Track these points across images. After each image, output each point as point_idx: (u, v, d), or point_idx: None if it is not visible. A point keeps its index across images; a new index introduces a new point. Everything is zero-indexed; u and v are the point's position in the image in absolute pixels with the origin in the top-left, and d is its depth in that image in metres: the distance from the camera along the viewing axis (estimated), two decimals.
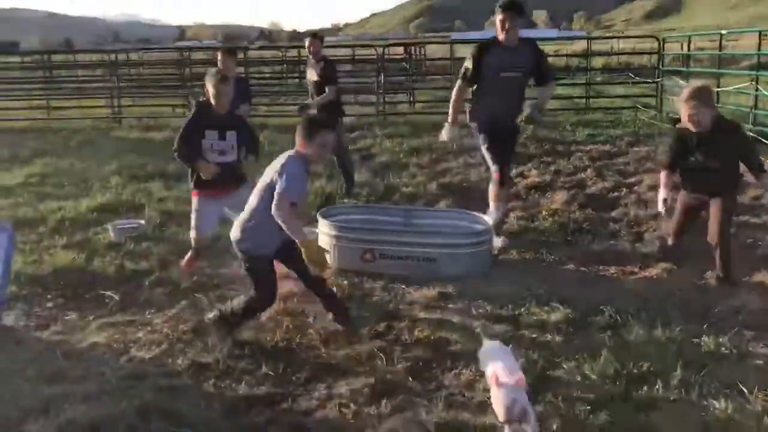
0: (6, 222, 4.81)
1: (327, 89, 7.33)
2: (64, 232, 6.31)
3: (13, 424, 3.10)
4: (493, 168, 5.57)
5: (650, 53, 15.64)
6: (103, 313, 4.55)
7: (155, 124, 13.47)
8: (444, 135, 5.68)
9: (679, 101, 4.59)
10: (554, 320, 4.15)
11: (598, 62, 20.71)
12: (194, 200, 5.05)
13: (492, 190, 5.65)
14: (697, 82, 4.70)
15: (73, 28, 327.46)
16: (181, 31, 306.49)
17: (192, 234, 5.14)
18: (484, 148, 5.62)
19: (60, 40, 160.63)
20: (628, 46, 23.81)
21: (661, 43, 13.94)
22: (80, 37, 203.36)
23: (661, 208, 4.95)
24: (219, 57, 7.08)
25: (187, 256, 5.22)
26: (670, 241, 5.16)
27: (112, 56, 16.89)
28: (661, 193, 4.94)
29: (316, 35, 7.69)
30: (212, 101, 4.85)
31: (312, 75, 7.56)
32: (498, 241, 5.54)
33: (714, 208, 4.72)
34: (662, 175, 5.02)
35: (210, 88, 4.81)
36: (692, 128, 4.61)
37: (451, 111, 5.65)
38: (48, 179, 8.84)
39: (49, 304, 4.75)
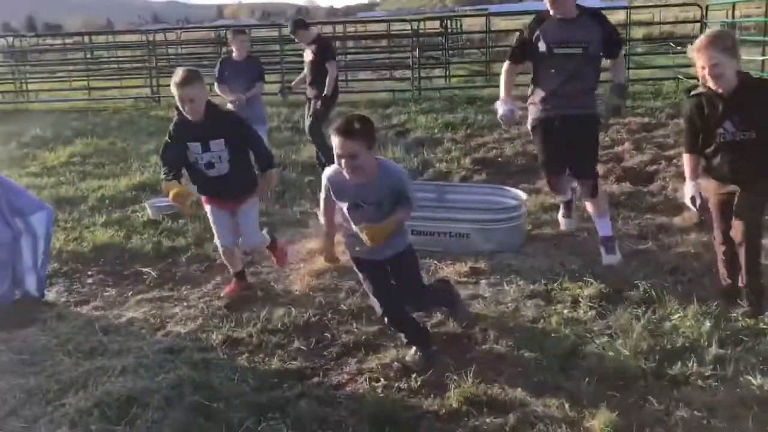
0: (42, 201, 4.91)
1: (327, 66, 7.32)
2: (104, 210, 6.45)
3: (54, 397, 3.21)
4: (542, 172, 4.94)
5: (693, 22, 15.20)
6: (140, 288, 4.66)
7: None
8: (498, 109, 4.73)
9: (692, 51, 3.54)
10: (587, 295, 4.11)
11: (638, 33, 20.21)
12: (206, 207, 4.44)
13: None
14: (715, 28, 3.63)
15: (114, 10, 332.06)
16: (219, 10, 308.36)
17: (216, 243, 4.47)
18: (536, 146, 4.90)
19: (102, 22, 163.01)
20: (670, 15, 23.15)
21: (704, 10, 13.53)
22: (121, 19, 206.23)
23: (690, 205, 3.82)
24: (229, 38, 7.19)
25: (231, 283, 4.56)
26: (723, 277, 3.98)
27: (151, 36, 17.06)
28: (688, 189, 3.78)
29: (297, 23, 7.69)
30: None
31: (308, 55, 7.57)
32: (564, 222, 5.28)
33: (742, 196, 3.70)
34: (686, 162, 3.83)
35: (174, 94, 4.00)
36: (712, 86, 3.54)
37: (503, 88, 4.72)
38: (89, 159, 9.04)
39: (89, 280, 4.88)
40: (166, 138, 4.18)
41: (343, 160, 3.17)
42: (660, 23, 22.22)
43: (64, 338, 3.85)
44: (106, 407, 3.04)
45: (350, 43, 21.55)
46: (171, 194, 3.95)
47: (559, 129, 4.57)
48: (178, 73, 3.97)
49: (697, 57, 3.53)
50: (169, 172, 4.06)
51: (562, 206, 5.37)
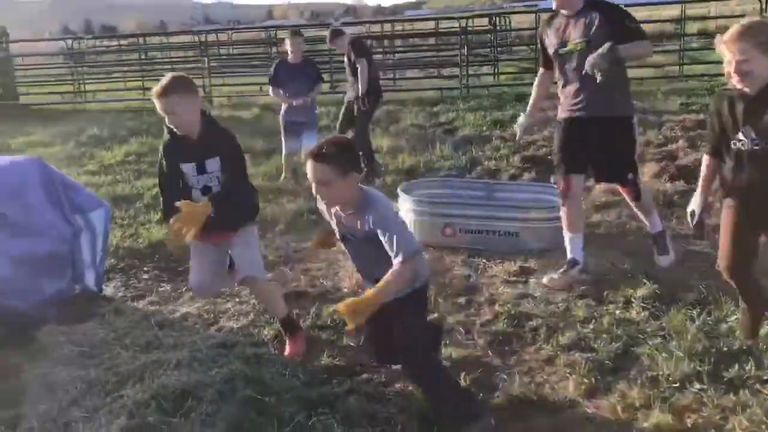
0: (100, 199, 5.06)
1: (357, 64, 7.33)
2: (159, 207, 6.57)
3: (113, 388, 3.29)
4: (557, 176, 4.48)
5: (752, 16, 14.73)
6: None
7: (244, 103, 13.82)
8: (516, 125, 4.75)
9: (720, 43, 3.00)
10: (640, 296, 4.04)
11: (693, 27, 19.68)
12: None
13: (561, 211, 4.50)
14: (753, 18, 3.08)
15: (166, 12, 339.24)
16: (269, 11, 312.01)
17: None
18: (555, 145, 4.54)
19: (155, 23, 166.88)
20: (727, 10, 22.46)
21: (764, 3, 13.11)
22: (174, 20, 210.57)
23: (688, 218, 3.36)
24: (286, 40, 7.23)
25: None
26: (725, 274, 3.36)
27: (203, 37, 17.37)
28: (694, 199, 3.31)
29: (331, 34, 7.74)
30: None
31: (346, 58, 7.61)
32: (558, 279, 4.35)
33: None
34: (702, 167, 3.34)
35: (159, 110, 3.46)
36: (737, 84, 2.99)
37: (531, 98, 4.72)
38: (144, 157, 9.26)
39: (145, 276, 5.02)
40: (159, 161, 3.64)
41: (314, 187, 2.85)
42: (716, 17, 21.59)
43: (122, 332, 3.95)
44: (162, 399, 3.11)
45: (398, 42, 21.57)
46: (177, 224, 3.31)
47: (580, 130, 4.27)
48: (160, 82, 3.46)
49: (725, 50, 2.99)
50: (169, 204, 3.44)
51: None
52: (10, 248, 4.02)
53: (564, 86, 4.34)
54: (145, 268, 5.16)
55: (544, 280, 4.37)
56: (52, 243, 4.26)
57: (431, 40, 20.44)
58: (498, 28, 18.75)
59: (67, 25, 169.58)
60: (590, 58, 3.88)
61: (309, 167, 2.81)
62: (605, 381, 3.22)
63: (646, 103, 10.33)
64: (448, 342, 3.66)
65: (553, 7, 4.27)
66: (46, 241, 4.24)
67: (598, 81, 3.89)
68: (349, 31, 8.34)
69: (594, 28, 4.08)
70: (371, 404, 3.11)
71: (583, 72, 4.00)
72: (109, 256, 5.09)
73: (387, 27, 20.91)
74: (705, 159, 3.32)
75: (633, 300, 4.02)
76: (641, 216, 4.63)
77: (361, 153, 7.57)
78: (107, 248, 4.81)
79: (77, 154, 9.72)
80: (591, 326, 3.74)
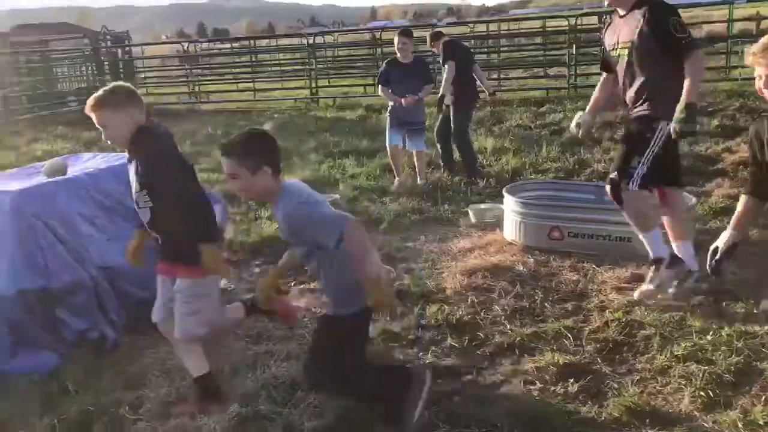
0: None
1: (446, 65, 7.29)
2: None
3: (226, 377, 3.45)
4: None
5: None
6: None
7: (348, 104, 14.05)
8: (573, 123, 4.46)
9: (748, 56, 2.71)
10: (764, 309, 3.81)
11: None
12: None
13: (663, 220, 4.29)
14: None
15: (275, 14, 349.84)
16: (373, 12, 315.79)
17: None
18: None
19: (264, 26, 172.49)
20: None
21: None
22: (282, 22, 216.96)
23: (709, 256, 3.15)
24: (396, 39, 7.28)
25: None
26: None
27: (310, 39, 17.80)
28: (722, 236, 3.12)
29: (430, 37, 7.79)
30: None
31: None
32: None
33: None
34: (739, 205, 3.07)
35: None
36: None
37: (591, 99, 4.50)
38: None
39: (256, 270, 5.20)
40: None
41: (228, 180, 2.84)
42: None
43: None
44: (273, 389, 3.23)
45: (503, 41, 21.31)
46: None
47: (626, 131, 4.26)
48: (95, 93, 3.08)
49: (754, 63, 2.66)
50: None
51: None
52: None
53: (619, 86, 4.19)
54: (256, 262, 5.34)
55: (659, 294, 4.16)
56: None
57: (537, 39, 20.07)
58: None
59: (182, 28, 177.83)
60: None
61: (222, 161, 2.80)
62: (725, 395, 3.06)
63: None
64: (555, 347, 3.59)
65: (605, 4, 4.16)
66: None
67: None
68: (454, 31, 8.32)
69: (639, 30, 3.86)
70: (476, 406, 3.09)
71: (629, 73, 3.99)
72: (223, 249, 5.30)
73: (493, 27, 20.67)
74: (742, 197, 2.98)
75: (755, 312, 3.79)
76: (682, 243, 4.20)
77: (462, 154, 7.56)
78: (222, 242, 5.01)
79: (193, 153, 10.17)
80: (709, 337, 3.56)
